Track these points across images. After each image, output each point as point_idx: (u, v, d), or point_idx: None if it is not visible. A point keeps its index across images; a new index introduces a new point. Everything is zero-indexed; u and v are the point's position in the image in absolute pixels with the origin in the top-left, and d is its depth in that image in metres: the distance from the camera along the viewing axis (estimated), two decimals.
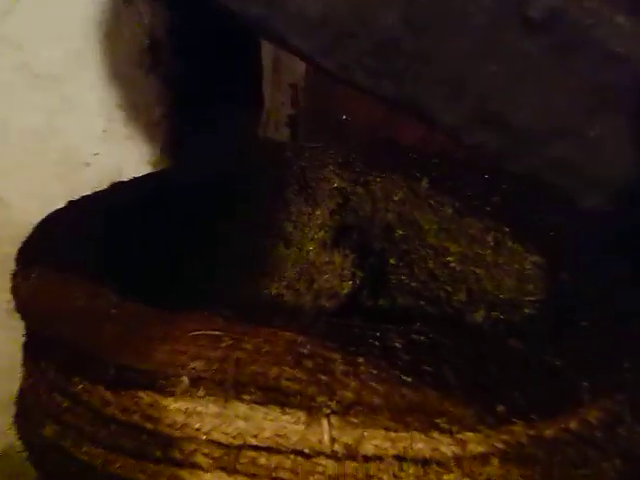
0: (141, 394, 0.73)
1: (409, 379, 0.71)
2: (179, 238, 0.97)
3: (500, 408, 0.71)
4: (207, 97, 1.30)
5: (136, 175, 1.17)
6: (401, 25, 0.50)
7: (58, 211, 0.97)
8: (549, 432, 0.74)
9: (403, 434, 0.71)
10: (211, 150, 1.12)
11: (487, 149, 0.53)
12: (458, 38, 0.50)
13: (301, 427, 0.71)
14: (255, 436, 0.72)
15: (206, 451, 0.73)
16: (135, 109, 1.35)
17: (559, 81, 0.49)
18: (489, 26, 0.49)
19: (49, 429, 0.82)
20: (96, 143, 1.36)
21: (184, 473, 0.74)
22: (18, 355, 0.92)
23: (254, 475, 0.73)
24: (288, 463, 0.72)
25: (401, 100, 0.51)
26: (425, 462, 0.72)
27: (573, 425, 0.76)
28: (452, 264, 0.95)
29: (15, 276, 0.87)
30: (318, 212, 0.99)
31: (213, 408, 0.72)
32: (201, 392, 0.72)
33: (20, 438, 0.91)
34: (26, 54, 1.36)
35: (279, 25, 0.54)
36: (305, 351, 0.72)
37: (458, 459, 0.72)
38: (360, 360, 0.71)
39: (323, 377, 0.71)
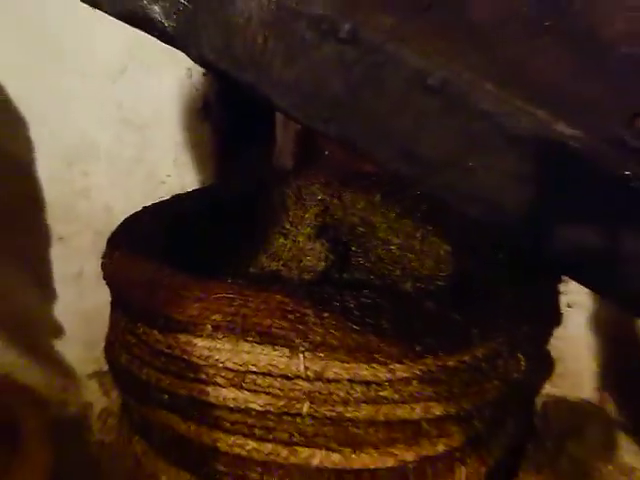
0: (180, 336, 0.71)
1: (358, 327, 0.68)
2: (216, 231, 0.93)
3: (418, 347, 0.68)
4: (240, 137, 1.28)
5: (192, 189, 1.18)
6: (344, 90, 0.48)
7: (136, 213, 0.95)
8: (451, 363, 0.73)
9: (353, 365, 0.69)
10: (241, 174, 1.09)
11: (402, 174, 0.50)
12: (382, 99, 0.47)
13: (285, 359, 0.69)
14: (255, 365, 0.70)
15: (223, 374, 0.72)
16: (194, 146, 1.32)
17: (448, 129, 0.47)
18: (403, 91, 0.47)
19: (123, 358, 0.80)
20: (169, 168, 1.33)
21: (209, 389, 0.71)
22: (106, 309, 0.89)
23: (255, 391, 0.71)
24: (277, 383, 0.70)
25: (343, 139, 0.49)
26: (367, 383, 0.70)
27: (467, 358, 0.74)
28: (393, 250, 0.93)
29: (103, 257, 0.85)
30: (307, 215, 0.97)
31: (227, 346, 0.70)
32: (219, 335, 0.69)
33: (107, 363, 0.88)
34: (125, 110, 1.34)
35: (265, 88, 0.51)
36: (289, 308, 0.69)
37: (390, 381, 0.71)
38: (326, 315, 0.69)
39: (300, 326, 0.68)
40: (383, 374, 0.69)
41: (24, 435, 1.65)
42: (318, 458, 0.71)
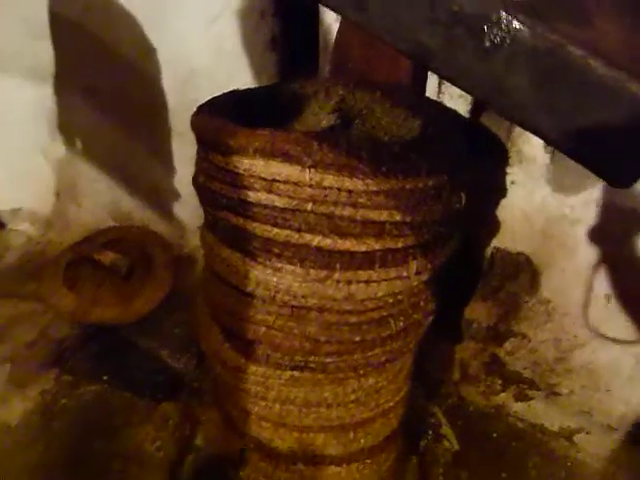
0: (234, 157, 0.75)
1: (345, 153, 0.69)
2: (271, 110, 0.94)
3: (384, 169, 0.70)
4: (295, 63, 1.28)
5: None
6: None
7: (218, 95, 0.94)
8: (408, 185, 0.74)
9: (340, 178, 0.72)
10: (290, 81, 1.08)
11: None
12: None
13: (297, 172, 0.72)
14: (279, 175, 0.73)
15: (258, 182, 0.75)
16: (265, 69, 1.33)
17: None
18: None
19: (201, 178, 0.85)
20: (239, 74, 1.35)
21: (250, 192, 0.75)
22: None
23: (278, 194, 0.75)
24: (291, 188, 0.74)
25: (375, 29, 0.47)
26: (350, 192, 0.73)
27: (419, 184, 0.75)
28: (383, 124, 0.94)
29: (192, 116, 0.87)
30: (330, 103, 0.97)
31: (261, 162, 0.74)
32: (257, 156, 0.73)
33: (194, 187, 0.89)
34: (223, 41, 1.34)
35: None
36: (301, 140, 0.72)
37: (365, 192, 0.73)
38: (325, 144, 0.71)
39: (307, 150, 0.71)
40: (360, 186, 0.72)
41: (154, 265, 1.78)
42: (317, 240, 0.76)
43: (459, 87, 0.47)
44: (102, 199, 1.89)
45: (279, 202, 0.74)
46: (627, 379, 1.18)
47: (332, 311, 0.82)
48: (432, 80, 1.07)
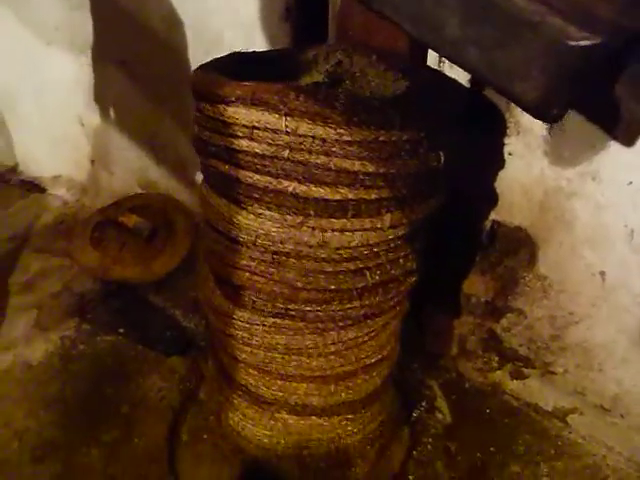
0: (219, 105, 0.80)
1: (320, 102, 0.73)
2: (273, 71, 0.96)
3: (356, 119, 0.73)
4: (307, 33, 1.32)
5: None
6: None
7: (223, 56, 0.98)
8: (382, 137, 0.77)
9: (314, 126, 0.75)
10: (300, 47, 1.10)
11: None
12: None
13: (274, 119, 0.76)
14: (258, 122, 0.77)
15: (241, 130, 0.79)
16: (277, 37, 1.38)
17: None
18: None
19: (195, 129, 0.89)
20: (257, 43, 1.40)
21: (234, 140, 0.80)
22: None
23: (258, 141, 0.78)
24: (269, 135, 0.77)
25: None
26: (323, 140, 0.76)
27: (394, 137, 0.77)
28: (372, 84, 0.96)
29: (193, 72, 0.90)
30: (329, 64, 1.00)
31: (243, 110, 0.77)
32: (239, 103, 0.77)
33: (192, 145, 0.93)
34: (240, 15, 1.40)
35: None
36: (280, 89, 0.75)
37: (338, 141, 0.76)
38: (301, 94, 0.74)
39: (285, 99, 0.74)
40: (333, 135, 0.75)
41: (175, 231, 1.88)
42: (293, 187, 0.80)
43: (396, 24, 0.50)
44: (131, 167, 2.00)
45: (259, 149, 0.78)
46: (620, 360, 1.16)
47: (309, 258, 0.86)
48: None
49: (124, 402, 1.41)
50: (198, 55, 1.58)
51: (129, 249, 1.77)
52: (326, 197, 0.80)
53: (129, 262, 1.75)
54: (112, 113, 1.94)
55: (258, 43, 1.42)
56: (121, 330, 1.61)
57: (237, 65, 0.96)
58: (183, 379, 1.48)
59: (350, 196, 0.80)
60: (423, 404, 1.43)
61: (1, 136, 2.27)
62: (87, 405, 1.39)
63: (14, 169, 2.38)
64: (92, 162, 2.13)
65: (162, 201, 1.94)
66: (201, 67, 0.93)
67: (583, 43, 0.44)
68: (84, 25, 1.76)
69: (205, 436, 1.36)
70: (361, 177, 0.79)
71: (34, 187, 2.29)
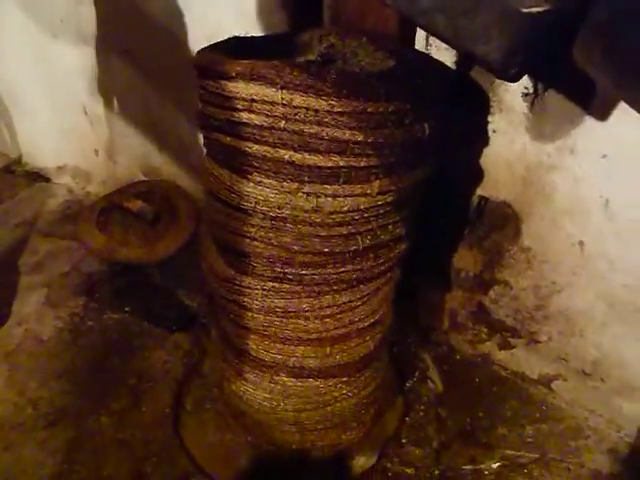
0: (221, 81, 0.86)
1: (313, 76, 0.79)
2: (271, 52, 0.93)
3: (346, 91, 0.80)
4: (303, 20, 1.37)
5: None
6: None
7: (223, 40, 1.03)
8: (370, 108, 0.83)
9: (307, 98, 0.81)
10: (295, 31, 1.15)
11: None
12: None
13: (271, 92, 0.82)
14: (256, 95, 0.83)
15: (241, 103, 0.85)
16: (275, 25, 1.44)
17: None
18: None
19: (200, 107, 0.96)
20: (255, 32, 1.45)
21: (235, 113, 0.86)
22: None
23: (256, 113, 0.84)
24: (267, 107, 0.83)
25: None
26: (316, 111, 0.82)
27: (380, 108, 0.83)
28: (362, 64, 1.02)
29: (197, 53, 0.97)
30: (323, 46, 1.05)
31: (242, 84, 0.84)
32: (238, 79, 0.84)
33: (197, 121, 1.00)
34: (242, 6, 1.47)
35: None
36: (277, 65, 0.81)
37: (330, 112, 0.82)
38: (296, 68, 0.80)
39: (281, 73, 0.80)
40: (325, 106, 0.81)
41: (178, 215, 1.96)
42: (289, 155, 0.86)
43: None
44: (134, 154, 2.07)
45: (258, 120, 0.85)
46: (600, 325, 1.24)
47: (305, 223, 0.93)
48: (420, 33, 1.17)
49: (131, 374, 1.49)
50: (198, 44, 1.65)
51: (134, 232, 1.85)
52: (319, 164, 0.87)
53: (134, 244, 1.83)
54: (116, 102, 2.02)
55: (257, 31, 1.48)
56: (127, 308, 1.69)
57: (236, 48, 1.03)
58: (187, 353, 1.57)
59: (341, 163, 0.87)
60: (416, 375, 1.51)
61: (6, 128, 2.34)
62: (96, 376, 1.47)
63: (19, 160, 2.45)
64: (96, 151, 2.20)
65: (165, 187, 2.02)
66: (203, 49, 1.00)
67: (535, 10, 0.52)
68: (88, 17, 1.83)
69: (208, 406, 1.44)
70: (351, 145, 0.85)
71: (39, 177, 2.37)
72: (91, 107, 2.06)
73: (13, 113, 2.28)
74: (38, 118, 2.23)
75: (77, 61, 1.96)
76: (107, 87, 1.99)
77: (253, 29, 1.49)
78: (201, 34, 1.64)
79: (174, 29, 1.69)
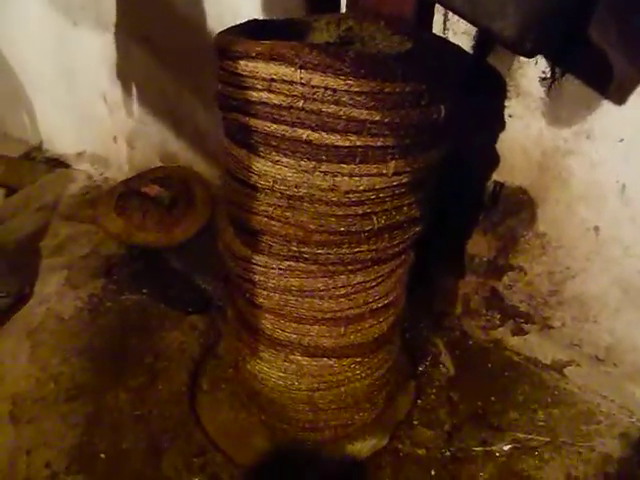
0: (239, 61, 0.88)
1: (332, 56, 0.81)
2: (289, 34, 0.96)
3: (363, 71, 0.81)
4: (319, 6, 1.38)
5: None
6: None
7: (241, 23, 1.05)
8: (387, 89, 0.84)
9: (325, 77, 0.83)
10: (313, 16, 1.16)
11: None
12: None
13: (290, 71, 0.83)
14: (275, 74, 0.84)
15: (260, 83, 0.87)
16: (293, 10, 1.45)
17: None
18: None
19: (219, 86, 0.98)
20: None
21: (254, 92, 0.88)
22: None
23: (275, 92, 0.86)
24: (285, 86, 0.85)
25: None
26: (334, 90, 0.83)
27: (397, 88, 0.84)
28: (380, 47, 1.03)
29: (217, 35, 0.99)
30: (341, 29, 1.07)
31: (262, 64, 0.85)
32: (258, 58, 0.85)
33: (217, 103, 1.02)
34: None
35: None
36: (295, 45, 0.82)
37: (347, 91, 0.83)
38: (315, 49, 0.81)
39: (300, 53, 0.81)
40: (342, 86, 0.82)
41: (195, 200, 1.99)
42: (306, 134, 0.87)
43: None
44: (152, 141, 2.11)
45: (276, 100, 0.87)
46: (613, 310, 1.24)
47: (321, 202, 0.95)
48: (438, 17, 1.17)
49: (148, 353, 1.53)
50: (216, 30, 1.67)
51: (151, 217, 1.89)
52: (336, 144, 0.88)
53: (151, 229, 1.87)
54: (134, 89, 2.05)
55: (274, 17, 1.50)
56: (144, 291, 1.73)
57: (255, 31, 1.04)
58: (202, 334, 1.60)
59: (358, 143, 0.88)
60: (428, 359, 1.53)
61: (26, 115, 2.40)
62: (114, 355, 1.51)
63: (39, 147, 2.50)
64: (115, 138, 2.24)
65: (182, 173, 2.05)
66: (223, 31, 1.02)
67: None
68: (109, 4, 1.86)
69: (223, 386, 1.48)
70: (368, 125, 0.87)
71: (59, 163, 2.42)
72: (110, 94, 2.09)
73: (33, 100, 2.33)
74: (58, 105, 2.27)
75: (97, 49, 1.99)
76: (126, 75, 2.02)
77: (270, 14, 1.51)
78: (218, 21, 1.66)
79: (193, 16, 1.71)
